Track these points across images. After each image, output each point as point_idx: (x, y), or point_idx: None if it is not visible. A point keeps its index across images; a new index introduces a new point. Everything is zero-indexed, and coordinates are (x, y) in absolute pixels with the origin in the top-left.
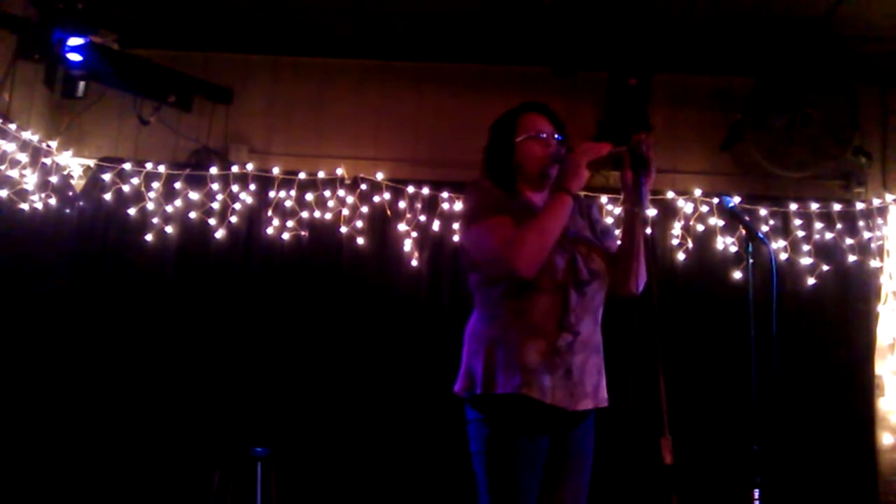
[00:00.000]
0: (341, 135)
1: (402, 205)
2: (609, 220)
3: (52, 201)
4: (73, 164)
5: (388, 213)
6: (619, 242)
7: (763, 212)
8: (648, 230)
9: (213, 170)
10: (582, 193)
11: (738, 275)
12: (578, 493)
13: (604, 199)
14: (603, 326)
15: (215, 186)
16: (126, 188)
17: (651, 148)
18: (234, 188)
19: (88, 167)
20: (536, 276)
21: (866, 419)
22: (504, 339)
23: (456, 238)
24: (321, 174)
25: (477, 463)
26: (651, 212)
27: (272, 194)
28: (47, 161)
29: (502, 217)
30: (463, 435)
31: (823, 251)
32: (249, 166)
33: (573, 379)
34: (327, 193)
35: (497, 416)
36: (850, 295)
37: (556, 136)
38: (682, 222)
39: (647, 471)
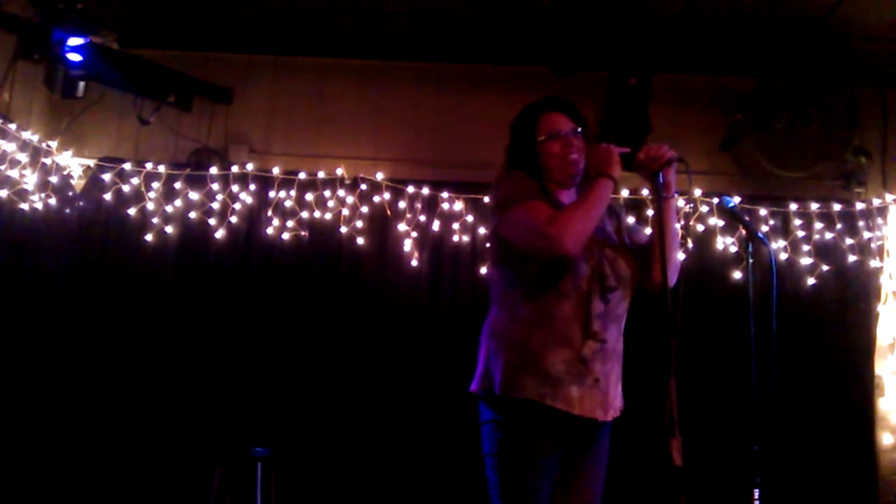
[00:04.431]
0: (341, 135)
1: (402, 205)
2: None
3: (52, 201)
4: (73, 164)
5: (388, 213)
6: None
7: (763, 212)
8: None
9: (213, 170)
10: None
11: (738, 275)
12: (592, 501)
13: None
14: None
15: (215, 186)
16: (126, 188)
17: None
18: (234, 188)
19: (88, 167)
20: (559, 279)
21: (866, 419)
22: (526, 343)
23: (455, 238)
24: (321, 174)
25: (489, 465)
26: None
27: (272, 194)
28: (47, 161)
29: (540, 202)
30: (466, 435)
31: (823, 251)
32: (249, 166)
33: (601, 388)
34: (327, 193)
35: (515, 420)
36: (850, 295)
37: (577, 130)
38: (682, 222)
39: (647, 472)
